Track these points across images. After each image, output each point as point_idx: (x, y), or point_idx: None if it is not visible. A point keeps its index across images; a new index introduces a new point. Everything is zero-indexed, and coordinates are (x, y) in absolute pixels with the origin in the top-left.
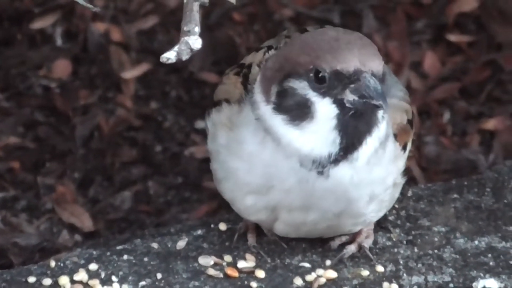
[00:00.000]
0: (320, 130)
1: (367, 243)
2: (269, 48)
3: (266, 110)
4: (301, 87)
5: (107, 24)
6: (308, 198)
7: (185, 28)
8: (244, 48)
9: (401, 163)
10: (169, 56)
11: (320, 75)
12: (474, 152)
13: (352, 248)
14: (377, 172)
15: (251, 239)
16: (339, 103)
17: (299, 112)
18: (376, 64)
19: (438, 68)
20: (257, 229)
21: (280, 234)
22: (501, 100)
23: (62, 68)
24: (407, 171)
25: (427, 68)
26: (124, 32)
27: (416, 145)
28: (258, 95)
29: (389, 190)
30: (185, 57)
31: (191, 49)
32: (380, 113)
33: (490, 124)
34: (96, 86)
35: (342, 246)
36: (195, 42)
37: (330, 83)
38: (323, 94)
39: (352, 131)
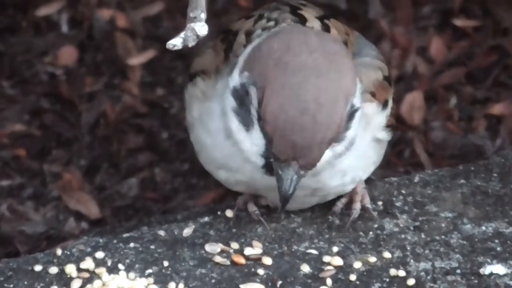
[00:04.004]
0: (254, 144)
1: (367, 202)
2: (260, 16)
3: (232, 83)
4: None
5: (113, 11)
6: (272, 185)
7: (191, 15)
8: None
9: (380, 120)
10: (175, 42)
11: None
12: (481, 137)
13: (358, 206)
14: (344, 162)
15: (251, 207)
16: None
17: (246, 116)
18: (311, 159)
19: (444, 53)
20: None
21: (271, 204)
22: (507, 85)
23: (67, 55)
24: (392, 127)
25: (433, 53)
26: (130, 19)
27: (422, 130)
28: (237, 70)
29: (371, 146)
30: (191, 43)
31: (197, 36)
32: None
33: (497, 109)
34: (101, 73)
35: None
36: (201, 28)
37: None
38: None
39: None
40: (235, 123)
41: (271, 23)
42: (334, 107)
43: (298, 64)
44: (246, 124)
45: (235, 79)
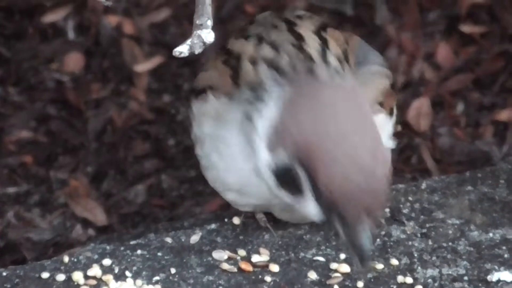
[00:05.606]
0: (308, 207)
1: None
2: (260, 39)
3: (266, 161)
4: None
5: (119, 17)
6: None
7: (198, 22)
8: None
9: (388, 129)
10: (182, 50)
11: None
12: (488, 143)
13: None
14: None
15: (258, 214)
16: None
17: (294, 186)
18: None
19: (451, 59)
20: None
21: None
22: None
23: (74, 61)
24: (396, 135)
25: (440, 59)
26: (136, 25)
27: (429, 137)
28: (261, 143)
29: None
30: (198, 50)
31: (204, 43)
32: None
33: (504, 115)
34: (108, 80)
35: None
36: (208, 35)
37: (326, 208)
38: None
39: None
40: (279, 191)
41: (273, 53)
42: (383, 155)
43: (337, 130)
44: (293, 193)
45: (265, 157)
